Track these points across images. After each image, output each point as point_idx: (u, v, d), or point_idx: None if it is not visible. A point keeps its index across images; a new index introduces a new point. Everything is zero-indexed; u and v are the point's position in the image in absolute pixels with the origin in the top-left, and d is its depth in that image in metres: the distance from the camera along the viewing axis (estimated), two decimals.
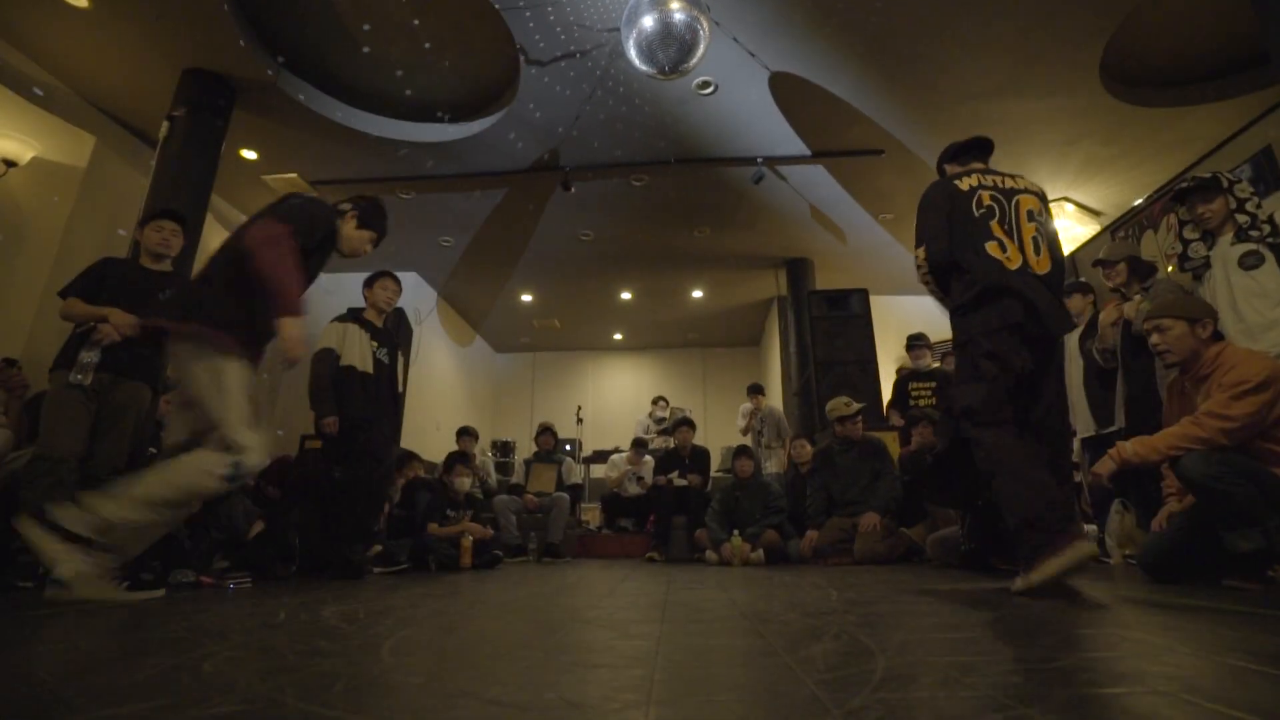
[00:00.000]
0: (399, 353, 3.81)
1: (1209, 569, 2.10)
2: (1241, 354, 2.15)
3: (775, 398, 8.52)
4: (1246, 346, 2.32)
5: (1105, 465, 2.24)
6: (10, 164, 4.23)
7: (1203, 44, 4.63)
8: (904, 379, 5.43)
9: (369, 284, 3.84)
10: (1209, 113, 4.97)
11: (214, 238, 5.81)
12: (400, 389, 3.70)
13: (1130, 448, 2.19)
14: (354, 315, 3.73)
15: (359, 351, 3.54)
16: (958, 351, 2.22)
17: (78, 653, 1.14)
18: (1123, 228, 5.15)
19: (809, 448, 5.02)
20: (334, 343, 3.55)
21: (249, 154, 5.56)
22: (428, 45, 4.72)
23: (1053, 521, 1.84)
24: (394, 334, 3.90)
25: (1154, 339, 2.28)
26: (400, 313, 6.81)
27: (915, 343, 5.39)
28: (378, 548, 3.83)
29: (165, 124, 4.41)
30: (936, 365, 5.39)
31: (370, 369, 3.55)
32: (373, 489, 3.48)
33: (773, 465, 6.12)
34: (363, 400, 3.46)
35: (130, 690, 0.81)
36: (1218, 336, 2.25)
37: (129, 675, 0.96)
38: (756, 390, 6.83)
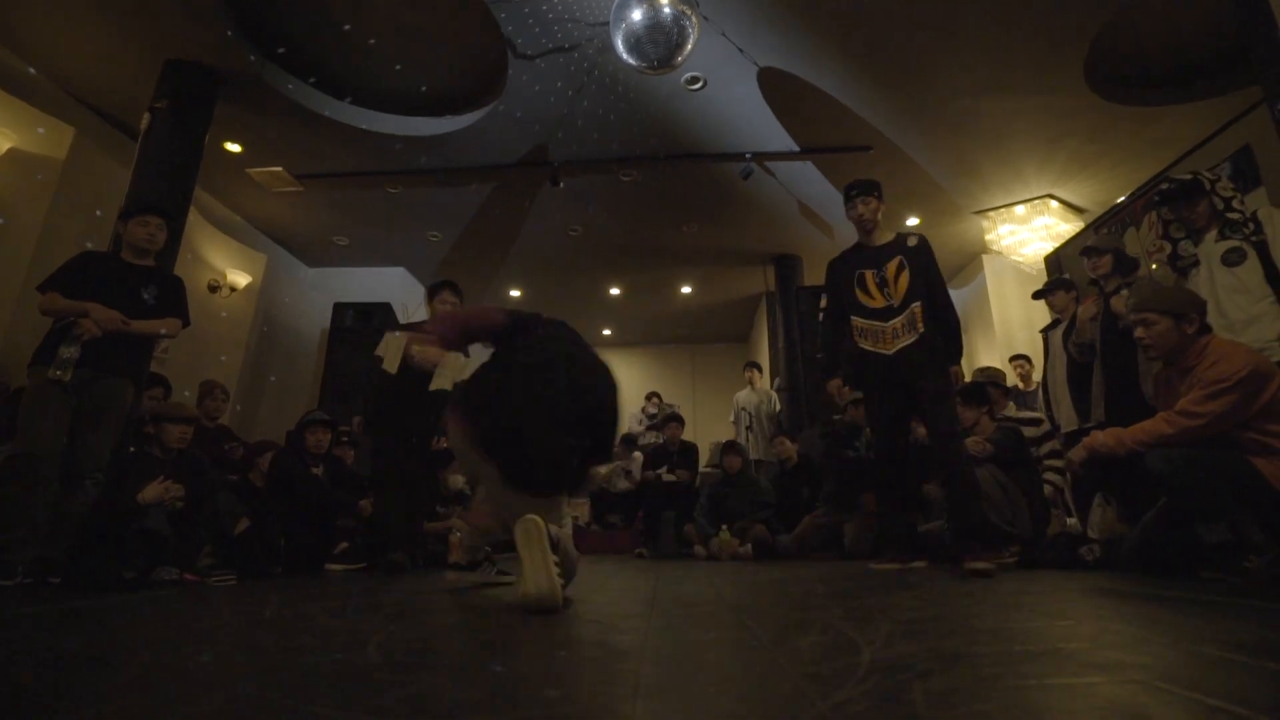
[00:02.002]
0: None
1: (1189, 561, 2.14)
2: (1226, 348, 2.16)
3: None
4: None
5: (1077, 453, 2.31)
6: None
7: (1186, 44, 4.69)
8: None
9: (429, 298, 4.08)
10: (1191, 112, 5.03)
11: (197, 232, 5.74)
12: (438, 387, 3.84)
13: (1101, 438, 2.23)
14: (415, 325, 4.03)
15: (391, 356, 3.79)
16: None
17: (60, 652, 1.13)
18: (1105, 225, 5.21)
19: (789, 445, 5.04)
20: (380, 350, 3.87)
21: (233, 147, 5.49)
22: (415, 38, 4.68)
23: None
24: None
25: (1139, 332, 2.30)
26: (387, 308, 6.77)
27: None
28: (344, 544, 3.84)
29: (147, 116, 4.34)
30: None
31: (394, 369, 3.72)
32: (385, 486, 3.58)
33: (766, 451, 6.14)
34: (388, 401, 3.68)
35: (114, 690, 0.80)
36: (1206, 329, 2.25)
37: (112, 675, 0.95)
38: (753, 366, 6.92)
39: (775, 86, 4.95)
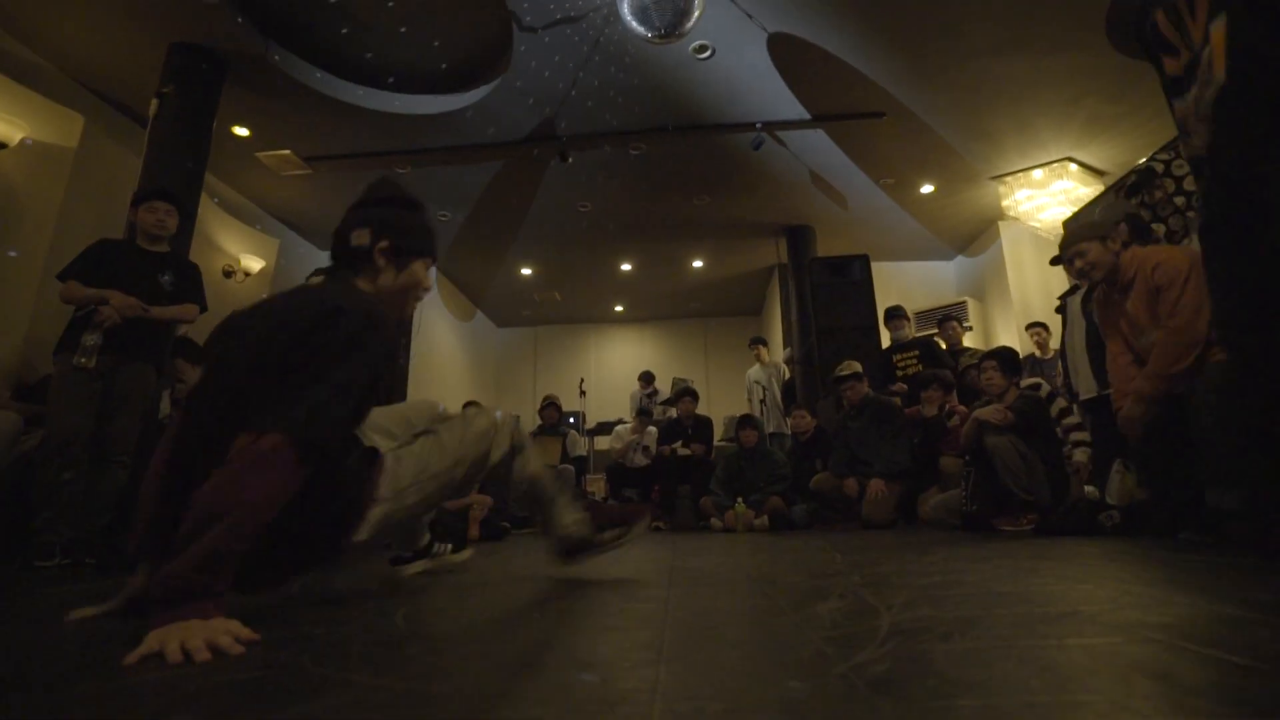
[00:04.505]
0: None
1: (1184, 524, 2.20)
2: (1158, 253, 2.28)
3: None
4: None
5: (1134, 411, 2.27)
6: (0, 146, 4.18)
7: None
8: (887, 352, 5.53)
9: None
10: None
11: (209, 217, 5.77)
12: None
13: (1144, 385, 2.23)
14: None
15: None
16: None
17: (95, 625, 1.17)
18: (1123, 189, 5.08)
19: (809, 418, 5.04)
20: None
21: (241, 131, 5.48)
22: (418, 13, 4.62)
23: None
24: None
25: (1078, 264, 2.42)
26: None
27: (893, 314, 5.58)
28: None
29: (155, 102, 4.34)
30: (918, 335, 5.70)
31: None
32: None
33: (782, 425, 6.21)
34: None
35: (148, 658, 0.83)
36: (1127, 245, 2.43)
37: None
38: (759, 341, 6.93)
39: (785, 52, 4.85)
